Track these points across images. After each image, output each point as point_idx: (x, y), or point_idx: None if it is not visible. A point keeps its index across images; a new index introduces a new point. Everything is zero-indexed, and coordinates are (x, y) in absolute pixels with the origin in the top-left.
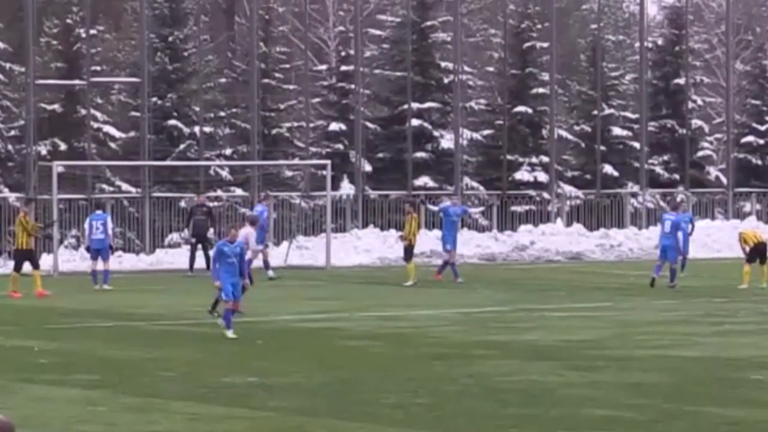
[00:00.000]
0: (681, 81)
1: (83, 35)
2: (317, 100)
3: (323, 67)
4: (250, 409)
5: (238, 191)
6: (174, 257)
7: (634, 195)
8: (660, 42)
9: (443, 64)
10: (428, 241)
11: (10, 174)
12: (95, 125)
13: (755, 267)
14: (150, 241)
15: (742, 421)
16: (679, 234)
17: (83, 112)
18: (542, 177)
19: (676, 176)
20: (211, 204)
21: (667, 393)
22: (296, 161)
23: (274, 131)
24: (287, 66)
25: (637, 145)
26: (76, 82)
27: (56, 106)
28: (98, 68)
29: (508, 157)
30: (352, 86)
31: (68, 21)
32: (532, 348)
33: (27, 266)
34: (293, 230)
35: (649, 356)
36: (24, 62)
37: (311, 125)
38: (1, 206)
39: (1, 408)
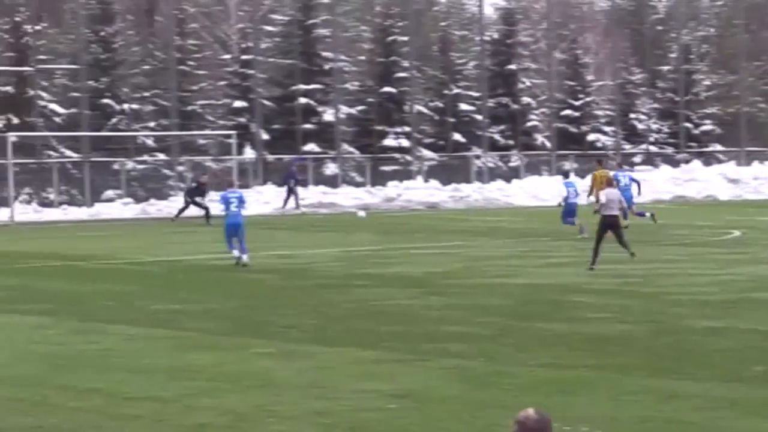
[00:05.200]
0: (513, 67)
1: (30, 30)
2: (223, 82)
3: (228, 56)
4: (174, 330)
5: (161, 156)
6: (110, 209)
7: (477, 157)
8: (495, 36)
9: (324, 53)
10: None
11: None
12: (42, 103)
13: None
14: (89, 197)
15: (565, 334)
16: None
17: (32, 92)
18: (405, 143)
19: (511, 142)
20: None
21: (505, 313)
22: (207, 132)
23: (189, 108)
24: (199, 55)
25: (479, 117)
26: (26, 68)
27: (9, 88)
28: (43, 57)
29: (377, 127)
30: (252, 71)
31: (17, 18)
32: (400, 278)
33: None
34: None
35: (492, 284)
36: None
37: (219, 102)
38: None
39: None
